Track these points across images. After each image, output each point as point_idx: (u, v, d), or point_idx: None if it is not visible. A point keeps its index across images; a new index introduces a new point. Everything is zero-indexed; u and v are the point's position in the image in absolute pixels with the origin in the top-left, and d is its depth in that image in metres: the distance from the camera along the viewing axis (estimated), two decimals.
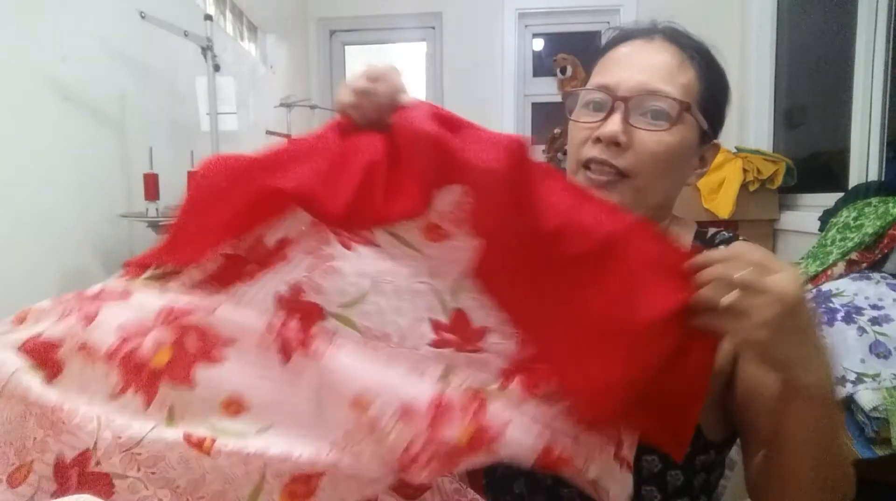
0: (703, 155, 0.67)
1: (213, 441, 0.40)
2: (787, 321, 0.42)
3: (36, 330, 0.47)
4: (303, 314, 0.46)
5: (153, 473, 0.41)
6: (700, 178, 0.68)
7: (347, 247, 0.49)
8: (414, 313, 0.47)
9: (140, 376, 0.43)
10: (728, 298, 0.42)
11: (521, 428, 0.43)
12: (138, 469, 0.41)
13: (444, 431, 0.41)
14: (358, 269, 0.48)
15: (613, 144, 0.60)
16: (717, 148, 0.68)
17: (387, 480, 0.42)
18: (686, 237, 0.69)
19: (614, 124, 0.60)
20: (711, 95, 0.64)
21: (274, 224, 0.51)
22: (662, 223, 0.68)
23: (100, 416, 0.42)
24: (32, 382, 0.43)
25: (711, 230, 0.71)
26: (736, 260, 0.43)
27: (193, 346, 0.44)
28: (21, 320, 0.50)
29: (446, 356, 0.47)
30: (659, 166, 0.60)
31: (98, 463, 0.41)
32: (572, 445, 0.45)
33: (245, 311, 0.47)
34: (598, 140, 0.61)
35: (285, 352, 0.44)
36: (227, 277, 0.50)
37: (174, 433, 0.41)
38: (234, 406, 0.43)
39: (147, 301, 0.49)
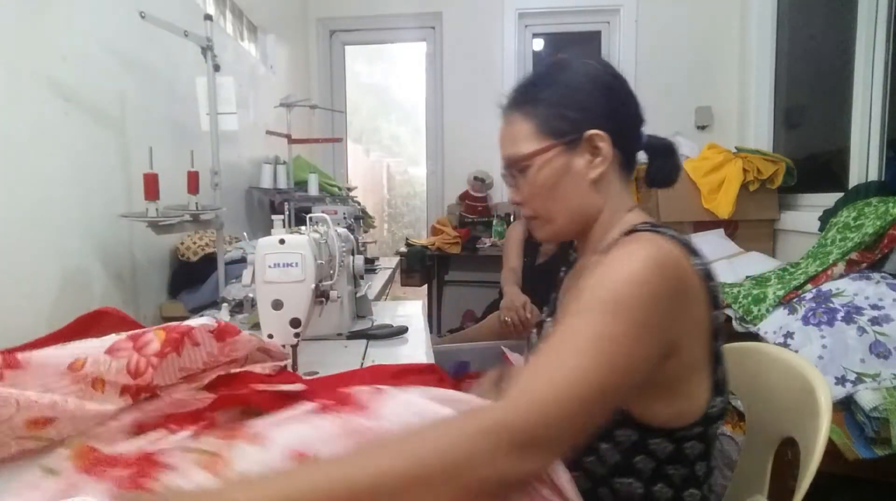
0: (588, 150, 0.75)
1: None
2: None
3: None
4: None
5: None
6: (604, 163, 0.75)
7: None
8: None
9: None
10: None
11: None
12: None
13: None
14: None
15: (515, 204, 0.82)
16: (595, 136, 0.74)
17: None
18: (618, 234, 0.74)
19: (509, 195, 0.83)
20: (556, 108, 0.75)
21: None
22: (596, 225, 0.79)
23: None
24: None
25: (640, 226, 0.72)
26: None
27: None
28: None
29: None
30: (541, 200, 0.77)
31: None
32: None
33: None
34: None
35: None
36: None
37: None
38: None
39: None
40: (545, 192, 0.77)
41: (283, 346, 0.86)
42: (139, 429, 0.61)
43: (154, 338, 0.69)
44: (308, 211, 1.79)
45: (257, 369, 0.80)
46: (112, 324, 0.80)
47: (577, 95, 0.76)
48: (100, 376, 0.65)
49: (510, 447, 0.49)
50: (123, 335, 0.68)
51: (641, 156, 0.84)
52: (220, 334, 0.76)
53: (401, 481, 0.45)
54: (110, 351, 0.66)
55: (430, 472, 0.46)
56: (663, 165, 0.84)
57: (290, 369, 0.87)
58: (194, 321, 0.74)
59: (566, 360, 0.56)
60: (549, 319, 0.87)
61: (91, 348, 0.65)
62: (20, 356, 0.62)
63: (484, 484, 0.47)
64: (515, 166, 0.78)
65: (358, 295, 1.36)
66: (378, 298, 1.86)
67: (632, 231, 0.72)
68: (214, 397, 0.68)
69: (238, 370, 0.78)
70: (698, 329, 0.67)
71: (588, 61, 0.79)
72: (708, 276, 0.68)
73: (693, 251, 0.68)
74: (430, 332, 1.30)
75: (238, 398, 0.68)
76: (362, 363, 1.03)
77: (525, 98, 0.78)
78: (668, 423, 0.69)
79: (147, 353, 0.68)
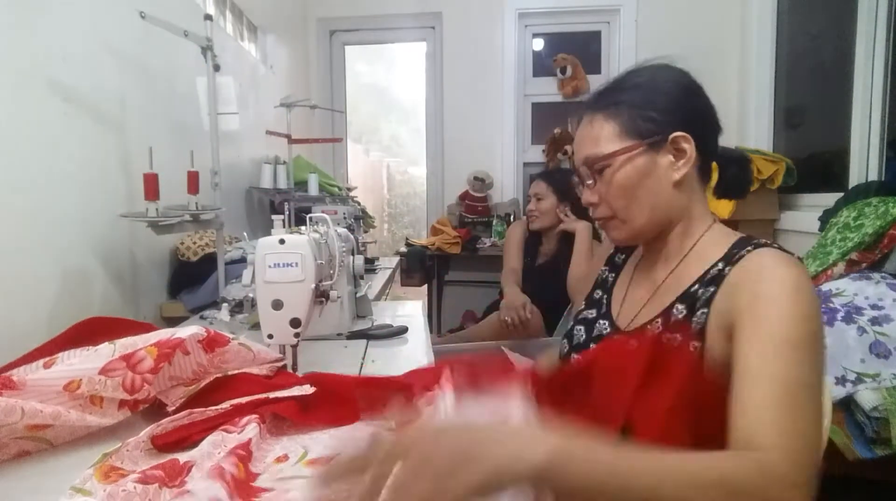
0: (672, 151, 0.76)
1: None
2: (429, 469, 0.41)
3: None
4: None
5: None
6: (688, 165, 0.75)
7: None
8: None
9: None
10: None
11: None
12: None
13: None
14: None
15: (590, 205, 0.81)
16: (680, 138, 0.75)
17: None
18: (719, 243, 0.75)
19: (583, 195, 0.82)
20: (641, 110, 0.76)
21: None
22: (675, 230, 0.79)
23: None
24: None
25: (749, 240, 0.75)
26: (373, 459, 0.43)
27: None
28: None
29: None
30: (622, 199, 0.77)
31: None
32: None
33: None
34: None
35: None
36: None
37: None
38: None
39: None
40: (627, 191, 0.77)
41: (283, 347, 0.86)
42: (160, 445, 0.62)
43: (147, 355, 0.70)
44: (308, 211, 1.79)
45: (254, 370, 0.81)
46: (103, 331, 0.80)
47: (662, 98, 0.77)
48: (97, 394, 0.67)
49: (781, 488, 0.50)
50: (118, 351, 0.68)
51: None
52: (210, 343, 0.77)
53: (679, 490, 0.46)
54: (104, 372, 0.67)
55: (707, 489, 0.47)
56: (738, 175, 0.85)
57: (289, 369, 0.87)
58: (184, 331, 0.75)
59: (803, 407, 0.57)
60: (602, 321, 0.86)
61: (85, 369, 0.66)
62: (16, 377, 0.63)
63: None
64: (596, 166, 0.78)
65: (358, 295, 1.36)
66: (378, 298, 1.86)
67: (749, 244, 0.73)
68: (228, 409, 0.69)
69: (235, 372, 0.78)
70: None
71: (670, 66, 0.81)
72: None
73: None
74: (430, 332, 1.30)
75: (254, 408, 0.69)
76: (362, 364, 1.03)
77: (609, 100, 0.79)
78: None
79: (141, 370, 0.69)
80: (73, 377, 0.65)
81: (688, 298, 0.73)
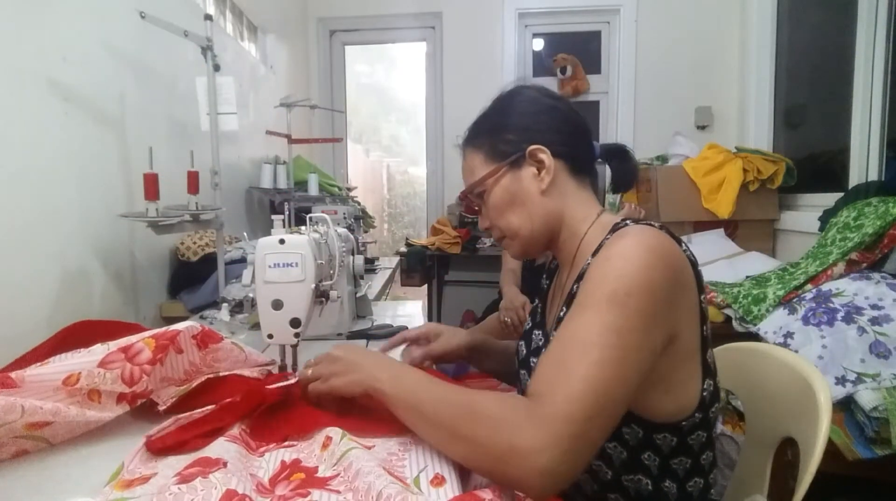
0: (533, 164, 0.80)
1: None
2: (340, 376, 0.71)
3: None
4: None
5: None
6: (550, 173, 0.79)
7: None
8: None
9: None
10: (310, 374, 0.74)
11: None
12: None
13: None
14: None
15: (485, 229, 0.89)
16: (535, 150, 0.80)
17: None
18: (599, 237, 0.76)
19: (479, 222, 0.90)
20: (499, 134, 0.82)
21: None
22: (562, 235, 0.83)
23: None
24: None
25: (622, 223, 0.76)
26: (323, 359, 0.75)
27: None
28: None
29: None
30: (503, 218, 0.83)
31: None
32: None
33: None
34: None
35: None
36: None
37: None
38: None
39: None
40: (504, 210, 0.83)
41: (283, 347, 0.86)
42: (157, 450, 0.62)
43: (144, 347, 0.71)
44: (308, 211, 1.79)
45: (245, 372, 0.82)
46: (91, 334, 0.82)
47: (515, 119, 0.83)
48: (95, 387, 0.67)
49: (546, 436, 0.55)
50: (113, 347, 0.69)
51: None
52: (204, 338, 0.78)
53: (451, 422, 0.60)
54: (103, 364, 0.68)
55: (463, 425, 0.59)
56: (621, 167, 0.87)
57: (289, 370, 0.87)
58: (180, 325, 0.76)
59: (581, 357, 0.58)
60: (537, 332, 0.87)
61: (83, 363, 0.67)
62: (14, 375, 0.63)
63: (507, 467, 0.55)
64: (475, 194, 0.85)
65: (358, 295, 1.36)
66: (378, 298, 1.86)
67: (615, 228, 0.74)
68: (215, 409, 0.69)
69: (226, 373, 0.80)
70: (692, 315, 0.69)
71: (523, 86, 0.86)
72: (695, 262, 0.71)
73: (678, 240, 0.71)
74: None
75: (248, 399, 0.70)
76: None
77: (473, 133, 0.87)
78: (672, 416, 0.70)
79: (140, 361, 0.70)
80: (71, 371, 0.66)
81: (570, 299, 0.74)
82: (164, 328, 0.75)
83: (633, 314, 0.60)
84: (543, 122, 0.82)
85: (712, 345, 0.74)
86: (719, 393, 0.75)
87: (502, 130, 0.83)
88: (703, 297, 0.71)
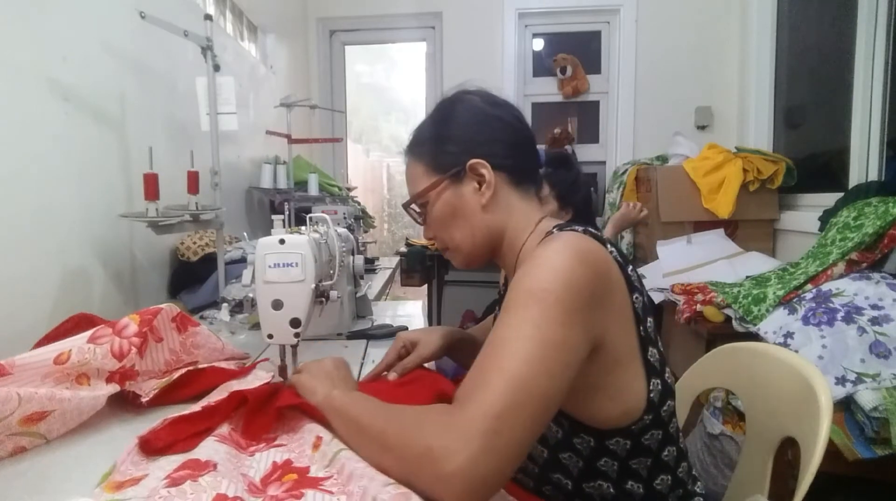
0: (474, 178, 0.79)
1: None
2: (307, 386, 0.73)
3: None
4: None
5: None
6: (490, 188, 0.78)
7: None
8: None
9: None
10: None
11: None
12: None
13: None
14: None
15: (429, 240, 0.87)
16: (476, 164, 0.78)
17: None
18: (535, 245, 0.75)
19: (423, 232, 0.88)
20: (440, 145, 0.81)
21: None
22: (504, 245, 0.82)
23: None
24: None
25: (555, 229, 0.75)
26: (302, 368, 0.80)
27: None
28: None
29: None
30: (445, 231, 0.83)
31: None
32: None
33: None
34: None
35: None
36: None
37: None
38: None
39: None
40: (446, 223, 0.82)
41: (283, 347, 0.86)
42: (150, 449, 0.62)
43: (130, 322, 0.77)
44: (308, 211, 1.79)
45: (223, 364, 0.87)
46: (85, 325, 0.85)
47: (456, 130, 0.81)
48: (85, 364, 0.70)
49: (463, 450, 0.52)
50: (101, 325, 0.74)
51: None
52: (183, 320, 0.84)
53: (379, 433, 0.59)
54: (92, 340, 0.72)
55: (391, 439, 0.57)
56: (564, 176, 0.89)
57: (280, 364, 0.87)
58: (161, 305, 0.82)
59: (498, 353, 0.57)
60: None
61: (73, 340, 0.71)
62: (5, 362, 0.65)
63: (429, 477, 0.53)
64: (416, 204, 0.84)
65: (358, 295, 1.36)
66: (378, 298, 1.86)
67: (547, 235, 0.73)
68: (200, 410, 0.70)
69: (205, 365, 0.84)
70: (623, 316, 0.68)
71: (468, 96, 0.84)
72: (624, 262, 0.70)
73: (604, 242, 0.70)
74: None
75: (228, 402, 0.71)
76: (362, 364, 1.03)
77: (415, 141, 0.85)
78: (620, 422, 0.70)
79: (127, 335, 0.75)
80: (62, 349, 0.69)
81: None
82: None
83: (551, 307, 0.59)
84: (485, 133, 0.80)
85: (658, 341, 0.73)
86: (671, 389, 0.74)
87: (443, 141, 0.81)
88: (635, 296, 0.69)
